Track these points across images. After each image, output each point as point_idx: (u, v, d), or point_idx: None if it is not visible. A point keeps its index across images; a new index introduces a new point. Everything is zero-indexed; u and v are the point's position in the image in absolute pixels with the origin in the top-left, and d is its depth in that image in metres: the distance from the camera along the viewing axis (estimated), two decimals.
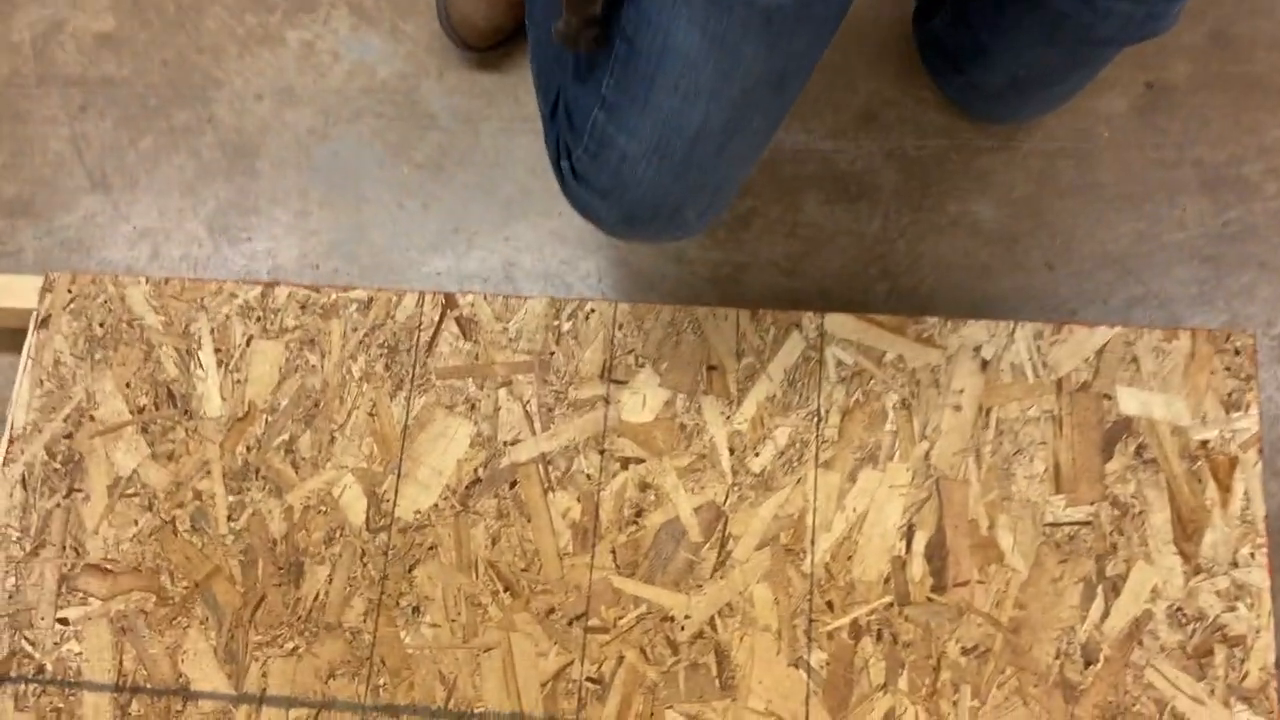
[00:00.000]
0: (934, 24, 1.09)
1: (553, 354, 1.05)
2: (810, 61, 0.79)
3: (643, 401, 1.03)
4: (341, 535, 1.02)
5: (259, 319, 1.08)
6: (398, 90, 1.25)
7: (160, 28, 1.29)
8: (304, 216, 1.21)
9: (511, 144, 1.23)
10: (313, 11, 1.28)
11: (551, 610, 0.98)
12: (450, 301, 1.07)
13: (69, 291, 1.10)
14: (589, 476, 1.01)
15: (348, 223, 1.21)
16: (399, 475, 1.03)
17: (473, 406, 1.04)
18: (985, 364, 1.01)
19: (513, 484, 1.02)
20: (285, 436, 1.04)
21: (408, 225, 1.20)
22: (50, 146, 1.26)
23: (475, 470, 1.02)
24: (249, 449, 1.04)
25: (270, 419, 1.05)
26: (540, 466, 1.02)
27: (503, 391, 1.04)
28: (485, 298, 1.07)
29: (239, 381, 1.06)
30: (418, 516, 1.02)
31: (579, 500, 1.01)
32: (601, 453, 1.02)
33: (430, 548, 1.01)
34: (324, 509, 1.02)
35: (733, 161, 0.81)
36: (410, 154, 1.23)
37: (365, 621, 0.98)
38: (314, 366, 1.06)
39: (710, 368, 1.04)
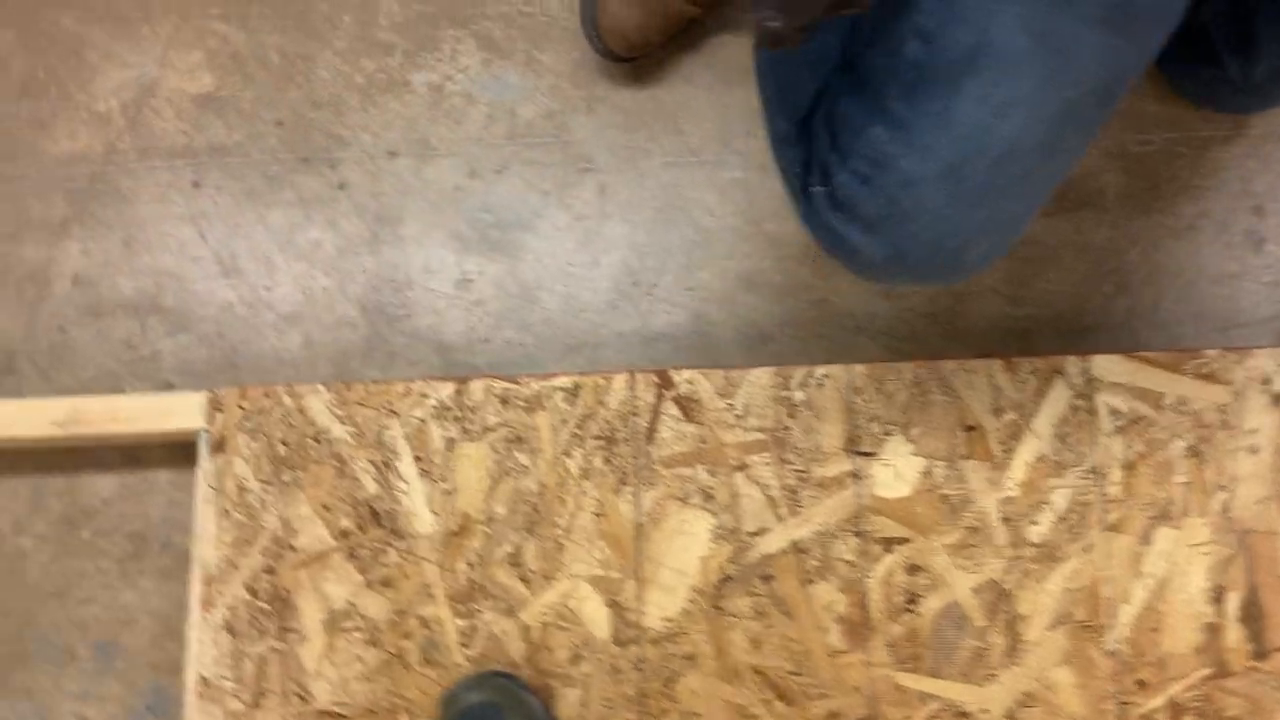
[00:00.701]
0: (1199, 17, 0.97)
1: (788, 429, 0.95)
2: (1139, 68, 0.68)
3: (896, 473, 0.94)
4: (588, 652, 0.93)
5: (457, 419, 0.98)
6: (545, 131, 1.13)
7: (267, 83, 1.16)
8: (464, 285, 1.10)
9: (680, 181, 1.11)
10: (436, 49, 1.15)
11: (833, 715, 0.90)
12: (665, 380, 0.97)
13: (241, 408, 0.99)
14: (850, 563, 0.93)
15: (513, 287, 1.10)
16: (640, 580, 0.94)
17: (708, 496, 0.95)
18: (1278, 398, 0.92)
19: (766, 578, 0.93)
20: (508, 548, 0.95)
21: (580, 284, 1.10)
22: (167, 230, 1.14)
23: (722, 567, 0.94)
24: (471, 565, 0.95)
25: (488, 530, 0.96)
26: (794, 557, 0.93)
27: (739, 477, 0.95)
28: (703, 373, 0.97)
29: (447, 492, 0.97)
30: (668, 624, 0.93)
31: (843, 591, 0.93)
32: (859, 535, 0.93)
33: (688, 657, 0.92)
34: (564, 624, 0.94)
35: (1036, 190, 0.70)
36: (569, 203, 1.11)
37: None
38: (526, 467, 0.96)
39: (968, 428, 0.94)
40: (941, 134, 0.65)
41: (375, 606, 0.95)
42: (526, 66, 1.14)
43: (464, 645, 0.94)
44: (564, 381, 0.98)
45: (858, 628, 0.92)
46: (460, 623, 0.94)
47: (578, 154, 1.12)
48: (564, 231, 1.11)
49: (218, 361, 1.10)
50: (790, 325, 1.07)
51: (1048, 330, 1.05)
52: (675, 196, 1.11)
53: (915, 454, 0.94)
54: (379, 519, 0.96)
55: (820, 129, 0.75)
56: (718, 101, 1.11)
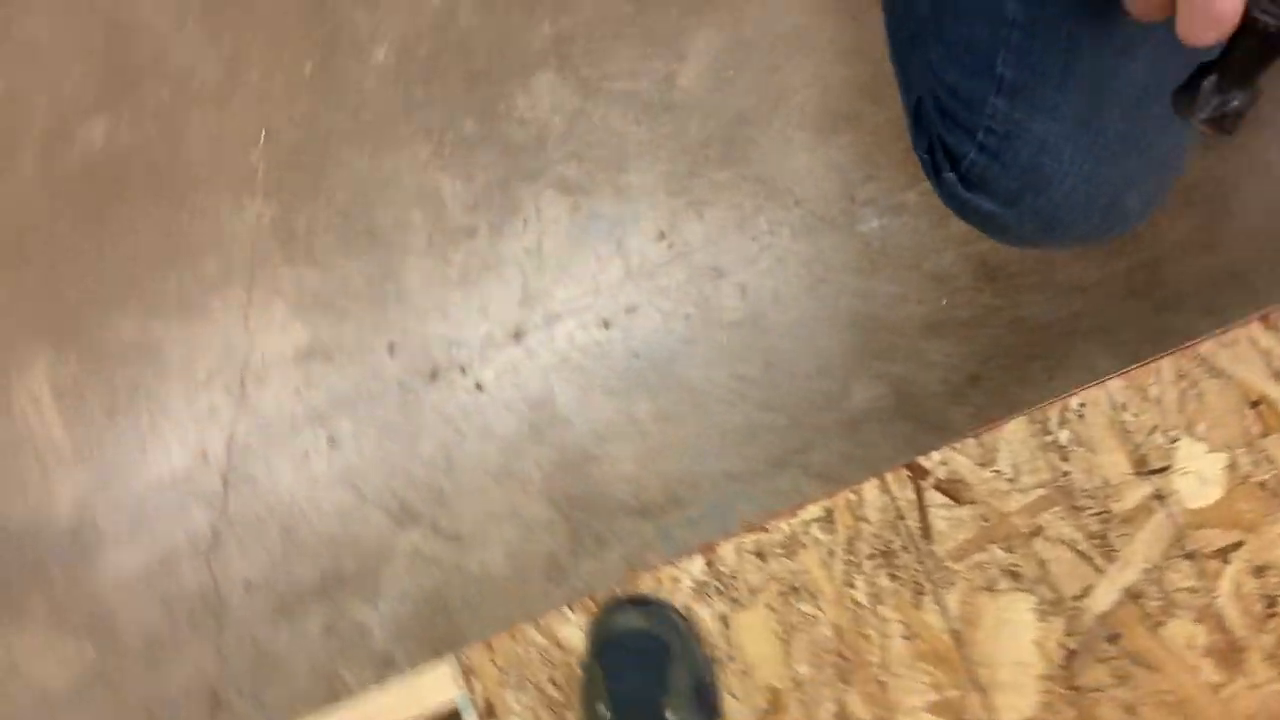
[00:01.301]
0: None
1: (1067, 474, 0.87)
2: None
3: (1199, 479, 0.86)
4: None
5: (720, 591, 0.90)
6: (660, 253, 1.05)
7: (361, 311, 1.09)
8: (642, 436, 1.02)
9: (820, 250, 1.04)
10: (518, 213, 1.08)
11: None
12: (917, 471, 0.89)
13: (495, 665, 0.91)
14: (1191, 590, 0.85)
15: (689, 422, 1.02)
16: (981, 689, 0.86)
17: (1014, 575, 0.87)
18: None
19: (1113, 638, 0.85)
20: (830, 706, 0.87)
21: (757, 392, 1.02)
22: (320, 498, 1.06)
23: (1061, 643, 0.86)
24: None
25: (802, 696, 0.88)
26: (1132, 605, 0.85)
27: (1038, 542, 0.87)
28: (953, 448, 0.89)
29: (742, 671, 0.88)
30: None
31: (1197, 621, 0.84)
32: (1189, 557, 0.85)
33: None
34: None
35: (1180, 124, 0.63)
36: (715, 316, 1.04)
37: None
38: (812, 615, 0.88)
39: (1253, 404, 0.86)
40: (1066, 90, 0.60)
41: None
42: (617, 195, 1.06)
43: None
44: (813, 511, 0.89)
45: (1227, 654, 0.84)
46: None
47: (703, 264, 1.04)
48: (722, 347, 1.03)
49: (427, 612, 1.03)
50: (994, 357, 1.00)
51: (1262, 266, 0.97)
52: (820, 268, 1.03)
53: (1210, 451, 0.86)
54: None
55: (931, 110, 0.68)
56: (823, 158, 1.04)
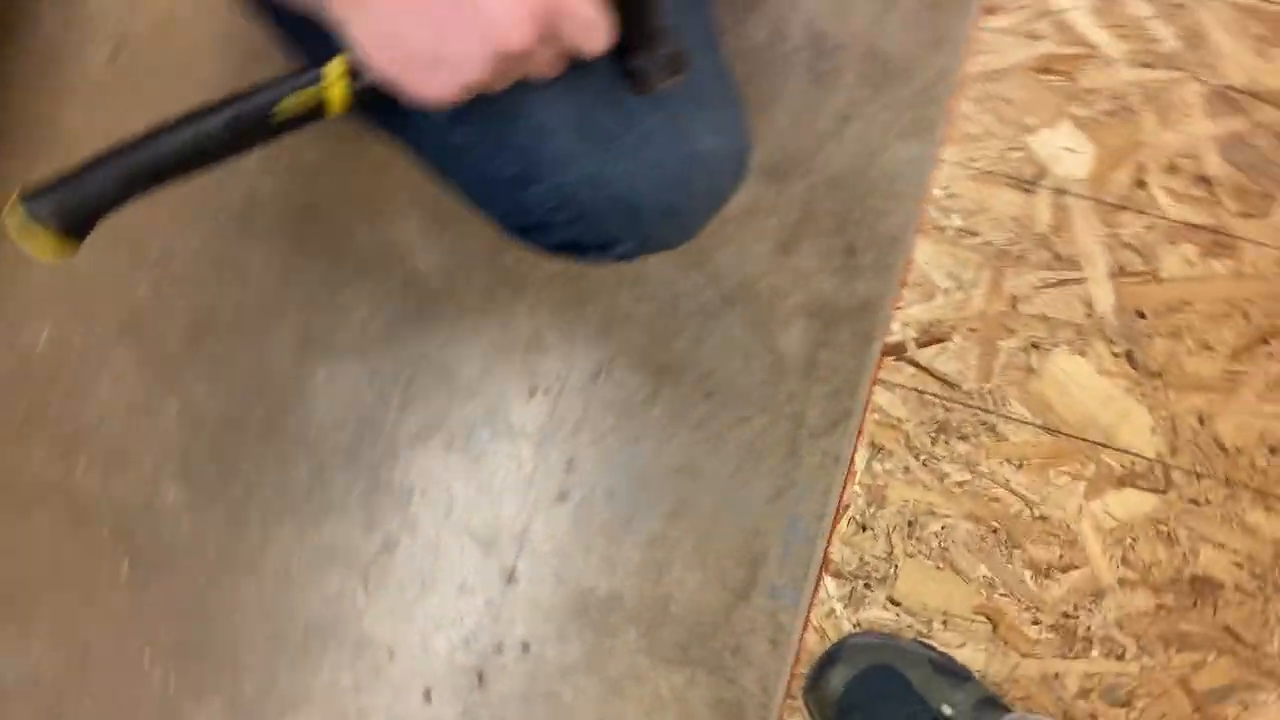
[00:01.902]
0: None
1: (990, 243, 0.90)
2: None
3: (1067, 152, 0.90)
4: None
5: (864, 583, 0.87)
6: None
7: None
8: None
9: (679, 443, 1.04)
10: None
11: None
12: (895, 350, 0.90)
13: None
14: (1149, 227, 0.88)
15: None
16: (1102, 442, 0.86)
17: (1034, 345, 0.88)
18: None
19: (1139, 314, 0.87)
20: (1028, 570, 0.86)
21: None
22: None
23: (1114, 355, 0.87)
24: None
25: (1004, 591, 0.86)
26: (1127, 281, 0.88)
27: (1022, 307, 0.89)
28: (896, 307, 0.90)
29: (944, 620, 0.86)
30: None
31: (1174, 243, 0.87)
32: (1124, 207, 0.88)
33: None
34: None
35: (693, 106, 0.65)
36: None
37: None
38: (946, 528, 0.87)
39: (1042, 71, 0.91)
40: (567, 138, 0.61)
41: None
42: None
43: None
44: (861, 454, 0.89)
45: (1216, 247, 0.87)
46: None
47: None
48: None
49: None
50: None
51: None
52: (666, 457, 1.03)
53: (1050, 127, 0.90)
54: None
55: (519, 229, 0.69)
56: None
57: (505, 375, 0.97)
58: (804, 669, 0.81)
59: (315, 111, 0.56)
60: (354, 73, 0.54)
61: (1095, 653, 0.81)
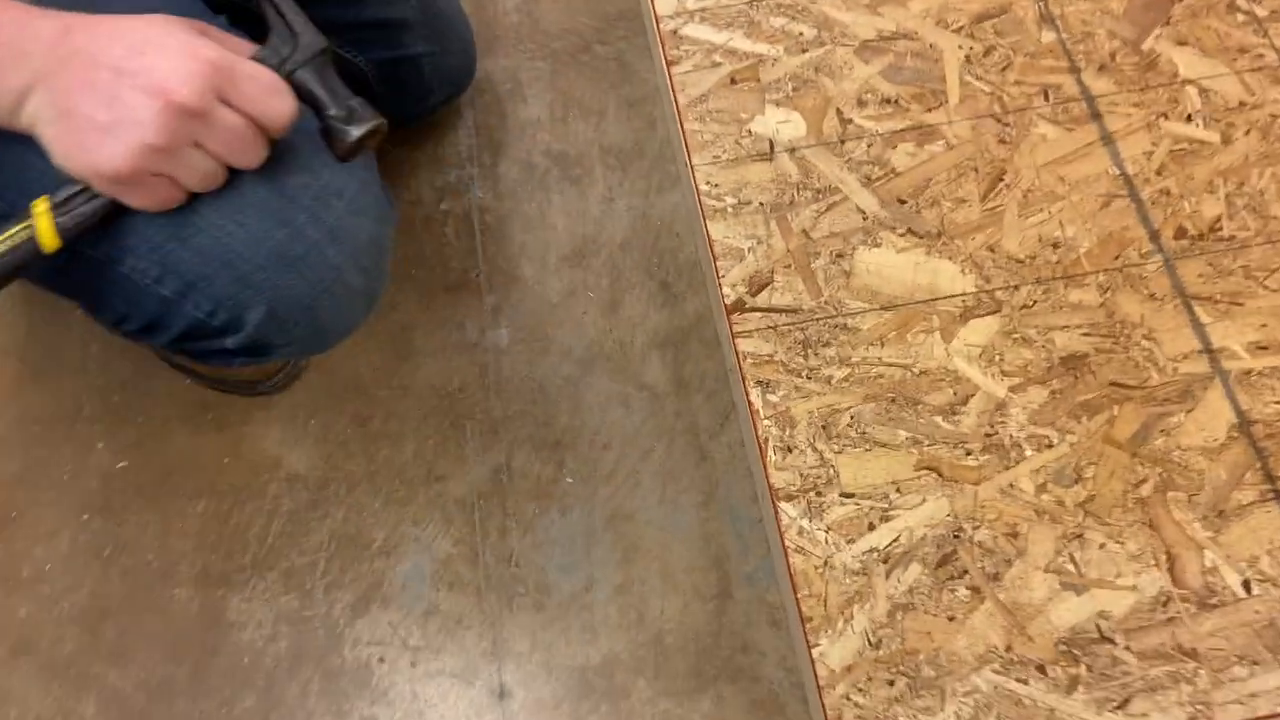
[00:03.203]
0: None
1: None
2: None
3: None
4: None
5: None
6: None
7: None
8: None
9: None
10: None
11: None
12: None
13: None
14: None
15: None
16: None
17: None
18: None
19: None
20: None
21: None
22: None
23: None
24: None
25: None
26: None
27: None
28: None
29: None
30: None
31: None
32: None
33: None
34: None
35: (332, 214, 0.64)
36: None
37: None
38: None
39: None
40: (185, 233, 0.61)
41: None
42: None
43: None
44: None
45: None
46: None
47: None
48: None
49: None
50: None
51: None
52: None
53: None
54: None
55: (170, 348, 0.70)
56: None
57: (416, 517, 0.97)
58: (811, 609, 0.82)
59: (30, 251, 0.56)
60: (59, 204, 0.56)
61: (1029, 452, 0.87)
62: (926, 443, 0.88)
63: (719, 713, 0.88)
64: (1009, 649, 0.80)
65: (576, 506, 0.97)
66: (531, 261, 1.09)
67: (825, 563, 0.84)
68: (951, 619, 0.81)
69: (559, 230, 1.11)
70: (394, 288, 1.08)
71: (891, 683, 0.79)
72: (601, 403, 1.02)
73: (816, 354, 0.92)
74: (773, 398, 0.90)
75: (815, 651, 0.80)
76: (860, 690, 0.79)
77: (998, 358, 0.91)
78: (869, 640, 0.81)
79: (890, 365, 0.91)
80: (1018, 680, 0.79)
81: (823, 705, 0.78)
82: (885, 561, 0.84)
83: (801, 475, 0.87)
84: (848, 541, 0.84)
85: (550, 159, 1.15)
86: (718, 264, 0.97)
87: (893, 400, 0.90)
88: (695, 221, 1.05)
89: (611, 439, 1.00)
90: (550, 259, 1.09)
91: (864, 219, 0.98)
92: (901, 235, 0.97)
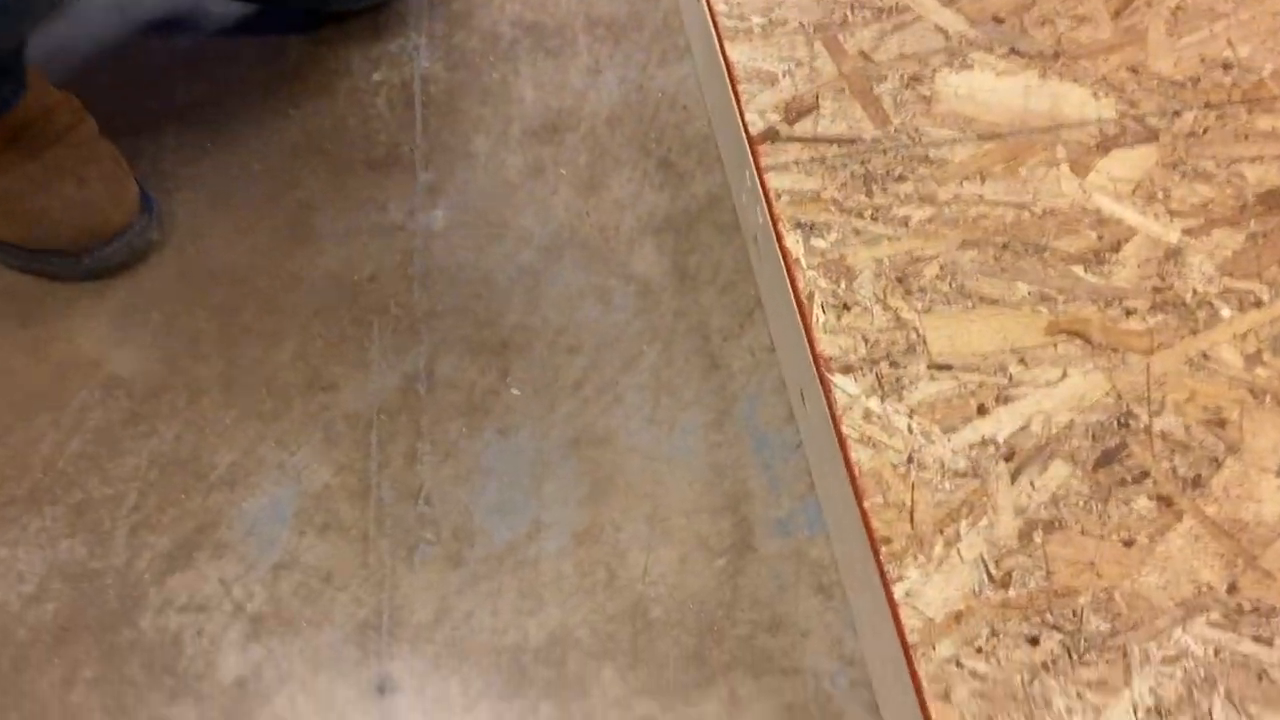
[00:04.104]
0: None
1: None
2: None
3: None
4: None
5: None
6: None
7: None
8: None
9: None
10: None
11: None
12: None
13: None
14: None
15: None
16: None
17: None
18: None
19: None
20: None
21: None
22: None
23: None
24: None
25: None
26: None
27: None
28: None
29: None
30: None
31: None
32: None
33: None
34: None
35: None
36: None
37: None
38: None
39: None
40: None
41: None
42: None
43: None
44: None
45: None
46: None
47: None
48: None
49: None
50: None
51: None
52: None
53: None
54: None
55: None
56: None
57: (284, 438, 0.66)
58: (888, 525, 0.48)
59: None
60: None
61: (1227, 312, 0.56)
62: (1062, 300, 0.56)
63: (732, 718, 0.53)
64: (1233, 589, 0.46)
65: (524, 427, 0.65)
66: (487, 136, 0.81)
67: (910, 459, 0.51)
68: (1130, 544, 0.47)
69: (526, 103, 0.83)
70: (295, 162, 0.79)
71: (1035, 640, 0.45)
72: (570, 298, 0.71)
73: (885, 190, 0.62)
74: (820, 243, 0.60)
75: (899, 590, 0.46)
76: (980, 651, 0.45)
77: (1160, 194, 0.60)
78: (989, 574, 0.47)
79: (997, 204, 0.61)
80: (1256, 639, 0.44)
81: (915, 676, 0.44)
82: (1009, 458, 0.51)
83: (866, 341, 0.56)
84: (945, 430, 0.52)
85: (521, 29, 0.88)
86: (739, 89, 0.68)
87: (1004, 247, 0.59)
88: (710, 79, 0.77)
89: (581, 341, 0.69)
90: (512, 133, 0.81)
91: (946, 39, 0.70)
92: (1003, 57, 0.68)
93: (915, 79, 0.68)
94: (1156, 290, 0.57)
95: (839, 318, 0.57)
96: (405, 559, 0.60)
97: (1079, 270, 0.58)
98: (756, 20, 0.73)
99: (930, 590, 0.47)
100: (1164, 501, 0.49)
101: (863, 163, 0.64)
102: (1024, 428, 0.52)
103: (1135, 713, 0.43)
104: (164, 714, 0.55)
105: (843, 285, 0.58)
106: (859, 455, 0.52)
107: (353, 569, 0.60)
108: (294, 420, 0.66)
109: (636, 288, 0.72)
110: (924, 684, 0.44)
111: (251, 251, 0.75)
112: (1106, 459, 0.51)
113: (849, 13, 0.73)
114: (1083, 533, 0.48)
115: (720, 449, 0.64)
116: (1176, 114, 0.65)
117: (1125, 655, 0.45)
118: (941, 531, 0.49)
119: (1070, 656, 0.45)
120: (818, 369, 0.55)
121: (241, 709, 0.55)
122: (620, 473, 0.63)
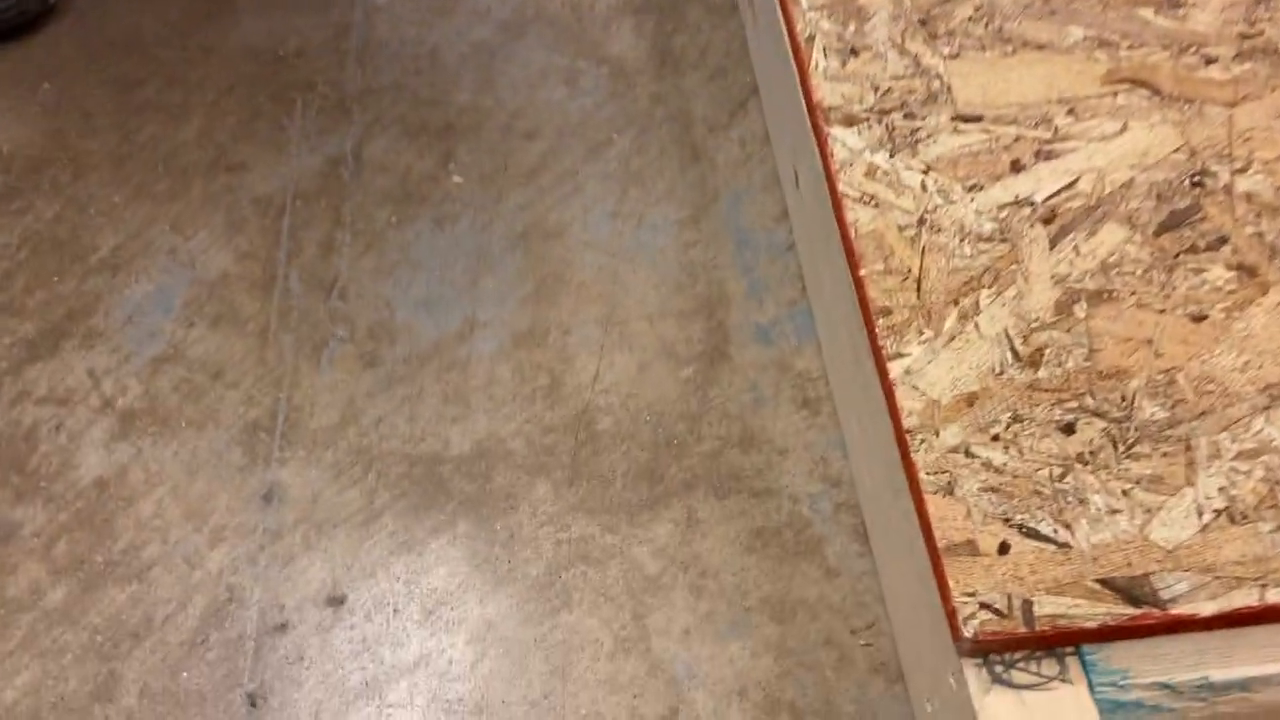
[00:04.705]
0: None
1: None
2: None
3: None
4: None
5: None
6: None
7: None
8: None
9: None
10: None
11: None
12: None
13: None
14: None
15: None
16: None
17: None
18: None
19: None
20: None
21: None
22: None
23: None
24: None
25: None
26: None
27: None
28: None
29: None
30: None
31: None
32: None
33: None
34: None
35: None
36: None
37: None
38: None
39: None
40: None
41: None
42: None
43: None
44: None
45: None
46: None
47: None
48: None
49: None
50: None
51: None
52: None
53: None
54: None
55: None
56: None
57: (180, 220, 0.55)
58: (887, 293, 0.37)
59: None
60: None
61: None
62: (1125, 45, 0.45)
63: (691, 546, 0.43)
64: None
65: (464, 217, 0.55)
66: None
67: (921, 221, 0.40)
68: (1200, 319, 0.37)
69: None
70: None
71: (1069, 428, 0.34)
72: (530, 79, 0.60)
73: None
74: None
75: (897, 368, 0.36)
76: (997, 439, 0.34)
77: None
78: (1014, 351, 0.36)
79: None
80: None
81: (911, 468, 0.34)
82: (1048, 220, 0.40)
83: (876, 89, 0.44)
84: (969, 189, 0.41)
85: None
86: None
87: None
88: None
89: (540, 126, 0.58)
90: None
91: None
92: None
93: None
94: (1244, 36, 0.45)
95: (844, 64, 0.46)
96: (310, 356, 0.50)
97: (1147, 13, 0.46)
98: None
99: (936, 369, 0.36)
100: (1246, 271, 0.38)
101: None
102: (1070, 186, 0.41)
103: (1199, 514, 0.32)
104: (7, 516, 0.46)
105: (851, 28, 0.47)
106: (857, 216, 0.41)
107: (247, 365, 0.50)
108: (193, 202, 0.56)
109: (610, 70, 0.61)
110: (921, 476, 0.34)
111: (159, 21, 0.64)
112: (1174, 222, 0.39)
113: None
114: (1139, 305, 0.37)
115: (695, 248, 0.53)
116: None
117: (1189, 448, 0.34)
118: (956, 303, 0.38)
119: (1115, 448, 0.34)
120: (812, 121, 0.44)
121: (98, 513, 0.46)
122: (572, 270, 0.53)
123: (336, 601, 0.43)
